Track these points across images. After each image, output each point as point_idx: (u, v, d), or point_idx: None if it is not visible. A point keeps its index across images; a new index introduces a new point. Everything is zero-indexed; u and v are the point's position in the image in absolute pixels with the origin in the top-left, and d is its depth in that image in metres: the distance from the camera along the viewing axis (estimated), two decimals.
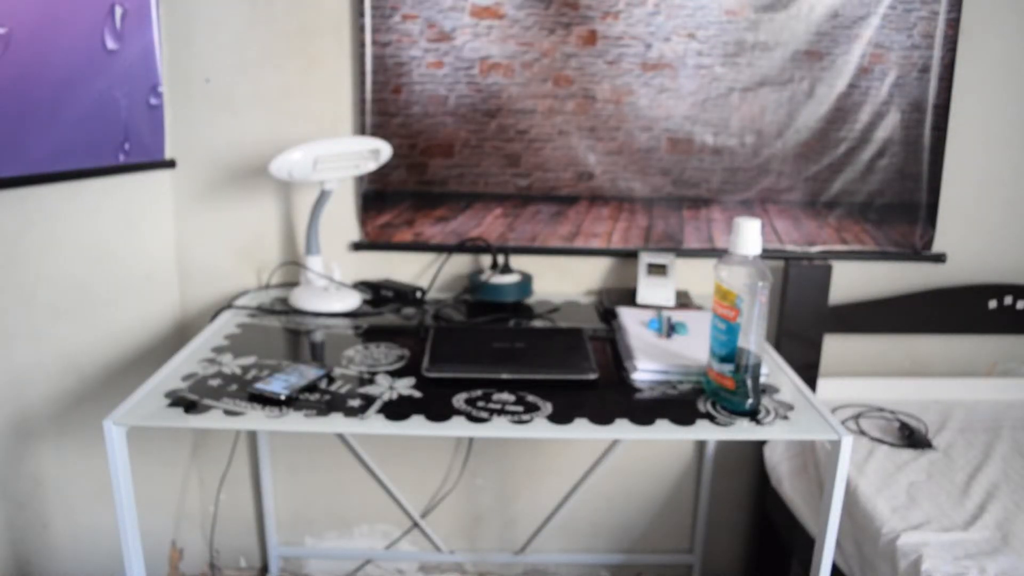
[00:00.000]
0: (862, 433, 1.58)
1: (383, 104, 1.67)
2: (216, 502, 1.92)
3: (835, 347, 1.79)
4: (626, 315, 1.51)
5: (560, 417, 1.15)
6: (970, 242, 1.78)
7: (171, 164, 1.69)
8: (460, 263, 1.77)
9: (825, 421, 1.17)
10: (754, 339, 1.13)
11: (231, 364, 1.30)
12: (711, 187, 1.73)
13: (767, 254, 1.78)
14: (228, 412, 1.13)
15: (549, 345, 1.38)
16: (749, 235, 1.12)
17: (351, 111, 1.69)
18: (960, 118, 1.71)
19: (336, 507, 1.91)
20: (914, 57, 1.67)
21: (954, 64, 1.67)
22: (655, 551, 1.96)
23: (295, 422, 1.12)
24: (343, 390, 1.22)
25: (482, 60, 1.65)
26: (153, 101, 1.62)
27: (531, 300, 1.70)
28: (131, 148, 1.58)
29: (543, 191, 1.73)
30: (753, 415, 1.17)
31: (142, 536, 1.12)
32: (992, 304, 1.77)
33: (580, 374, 1.27)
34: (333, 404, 1.17)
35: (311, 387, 1.21)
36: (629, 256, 1.75)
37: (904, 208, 1.75)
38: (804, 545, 1.52)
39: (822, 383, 1.75)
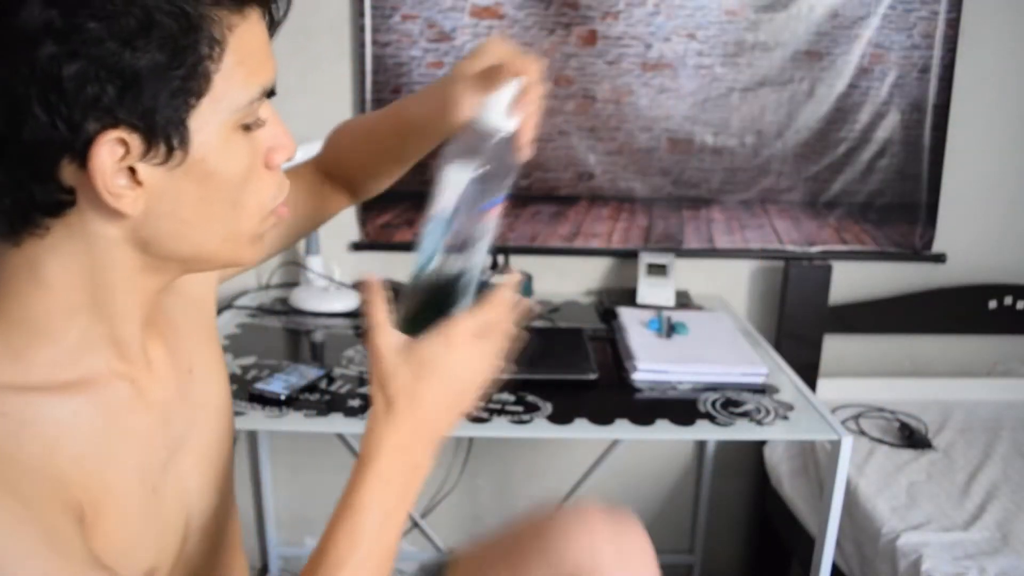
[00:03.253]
0: (862, 433, 1.58)
1: (383, 104, 1.67)
2: None
3: (835, 347, 1.79)
4: (626, 315, 1.50)
5: (560, 417, 1.15)
6: (970, 242, 1.78)
7: None
8: None
9: (825, 421, 1.17)
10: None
11: (231, 364, 1.30)
12: (711, 187, 1.73)
13: (767, 254, 1.78)
14: None
15: (549, 345, 1.38)
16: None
17: (351, 111, 1.69)
18: (960, 118, 1.71)
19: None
20: (914, 57, 1.67)
21: (954, 64, 1.67)
22: (655, 551, 1.96)
23: (295, 422, 1.12)
24: (343, 390, 1.22)
25: None
26: None
27: (531, 300, 1.70)
28: None
29: (543, 191, 1.72)
30: None
31: None
32: (992, 304, 1.77)
33: (580, 374, 1.27)
34: (333, 404, 1.17)
35: (311, 387, 1.21)
36: (629, 256, 1.75)
37: (904, 208, 1.75)
38: (804, 545, 1.51)
39: (822, 383, 1.75)
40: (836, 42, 1.65)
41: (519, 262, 1.75)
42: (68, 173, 0.49)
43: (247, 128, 0.55)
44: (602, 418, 1.16)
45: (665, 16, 1.64)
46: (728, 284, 1.81)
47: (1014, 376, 1.84)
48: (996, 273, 1.79)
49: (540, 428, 1.13)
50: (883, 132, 1.70)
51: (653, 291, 1.62)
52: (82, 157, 0.48)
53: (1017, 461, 1.49)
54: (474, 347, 0.61)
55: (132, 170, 0.50)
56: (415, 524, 1.92)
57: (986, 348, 1.84)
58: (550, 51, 1.65)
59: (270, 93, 0.56)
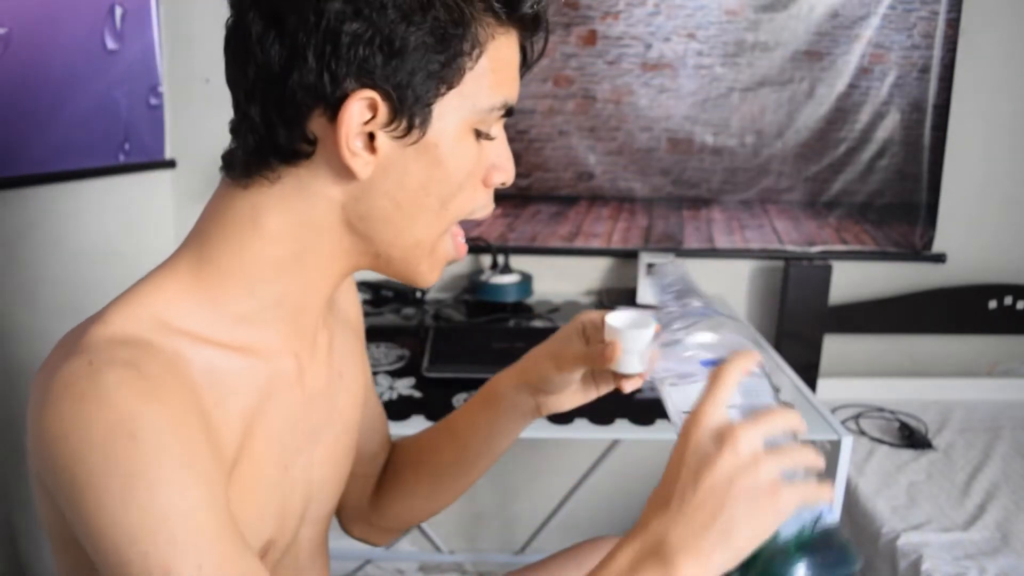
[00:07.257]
0: (862, 433, 1.58)
1: None
2: None
3: (835, 347, 1.79)
4: None
5: (560, 417, 1.15)
6: (970, 242, 1.78)
7: (171, 164, 1.69)
8: (460, 263, 1.77)
9: (825, 421, 1.17)
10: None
11: None
12: (711, 187, 1.73)
13: (767, 254, 1.78)
14: None
15: None
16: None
17: None
18: (960, 118, 1.71)
19: None
20: (914, 57, 1.67)
21: (954, 64, 1.67)
22: None
23: None
24: None
25: None
26: (153, 101, 1.62)
27: (531, 300, 1.70)
28: (131, 148, 1.58)
29: (543, 191, 1.73)
30: None
31: None
32: (992, 304, 1.77)
33: None
34: None
35: None
36: (629, 256, 1.75)
37: (904, 208, 1.75)
38: None
39: (822, 383, 1.75)
40: (836, 42, 1.65)
41: (519, 262, 1.75)
42: (317, 124, 0.53)
43: (479, 135, 0.58)
44: (602, 418, 1.16)
45: (665, 16, 1.64)
46: (728, 284, 1.81)
47: (1014, 376, 1.85)
48: (996, 273, 1.79)
49: (540, 428, 1.13)
50: (883, 132, 1.70)
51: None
52: (333, 111, 0.52)
53: (1017, 461, 1.49)
54: (759, 478, 0.51)
55: (371, 137, 0.54)
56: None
57: (986, 348, 1.84)
58: (550, 51, 1.65)
59: (508, 112, 0.59)
